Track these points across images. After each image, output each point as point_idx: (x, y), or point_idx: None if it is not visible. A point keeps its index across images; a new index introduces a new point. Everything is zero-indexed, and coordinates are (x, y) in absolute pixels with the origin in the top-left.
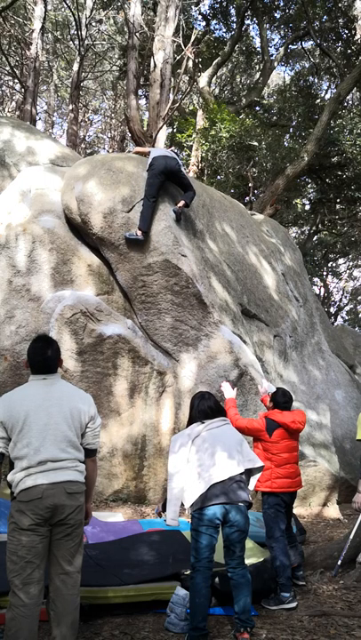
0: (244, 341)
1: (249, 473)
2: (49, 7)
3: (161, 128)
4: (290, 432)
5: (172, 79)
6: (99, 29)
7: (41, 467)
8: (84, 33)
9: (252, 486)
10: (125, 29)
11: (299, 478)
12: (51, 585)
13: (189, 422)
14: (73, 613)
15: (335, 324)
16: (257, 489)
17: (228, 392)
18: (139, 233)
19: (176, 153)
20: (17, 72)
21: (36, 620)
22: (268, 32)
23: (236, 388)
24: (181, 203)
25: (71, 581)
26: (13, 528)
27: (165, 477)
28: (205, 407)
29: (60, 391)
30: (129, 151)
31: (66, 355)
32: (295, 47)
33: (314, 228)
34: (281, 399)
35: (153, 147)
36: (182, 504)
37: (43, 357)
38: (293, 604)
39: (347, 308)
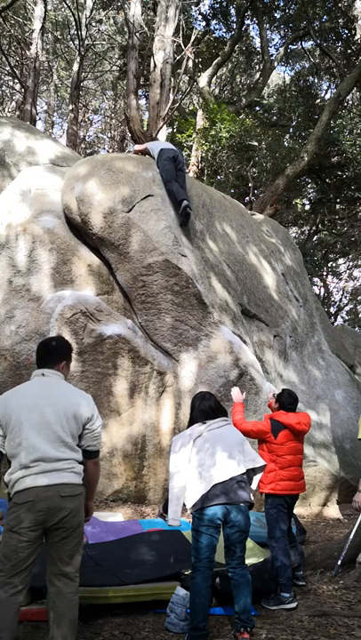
0: (244, 341)
1: (252, 472)
2: (49, 7)
3: (161, 128)
4: (295, 434)
5: (172, 79)
6: (99, 29)
7: (34, 468)
8: (84, 33)
9: (254, 486)
10: (125, 29)
11: (302, 482)
12: (50, 586)
13: (190, 423)
14: (72, 612)
15: (335, 324)
16: (261, 491)
17: (237, 397)
18: (184, 203)
19: None
20: (17, 72)
21: (10, 619)
22: (268, 32)
23: (245, 393)
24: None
25: (68, 581)
26: (6, 529)
27: (165, 477)
28: (206, 407)
29: (57, 391)
30: (129, 151)
31: None
32: (295, 47)
33: (314, 228)
34: (287, 400)
35: None
36: (184, 504)
37: (46, 347)
38: (293, 605)
39: (347, 308)
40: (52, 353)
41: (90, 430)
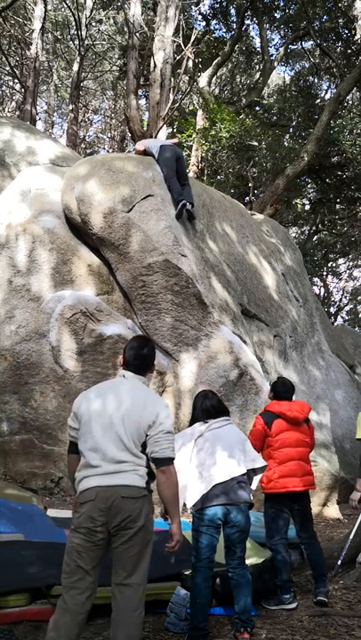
0: (244, 341)
1: (252, 472)
2: (49, 7)
3: (161, 128)
4: (291, 423)
5: (172, 79)
6: (99, 29)
7: (97, 468)
8: (84, 33)
9: (254, 486)
10: (125, 29)
11: (308, 478)
12: (112, 599)
13: (192, 421)
14: (128, 628)
15: (335, 324)
16: (262, 492)
17: None
18: (182, 204)
19: None
20: (17, 72)
21: (75, 627)
22: (268, 32)
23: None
24: (189, 205)
25: (129, 593)
26: (71, 529)
27: None
28: (208, 406)
29: (129, 395)
30: (129, 151)
31: (66, 355)
32: (295, 47)
33: (314, 228)
34: (281, 388)
35: None
36: (185, 504)
37: (136, 353)
38: (293, 605)
39: (347, 308)
40: (142, 362)
41: (150, 436)
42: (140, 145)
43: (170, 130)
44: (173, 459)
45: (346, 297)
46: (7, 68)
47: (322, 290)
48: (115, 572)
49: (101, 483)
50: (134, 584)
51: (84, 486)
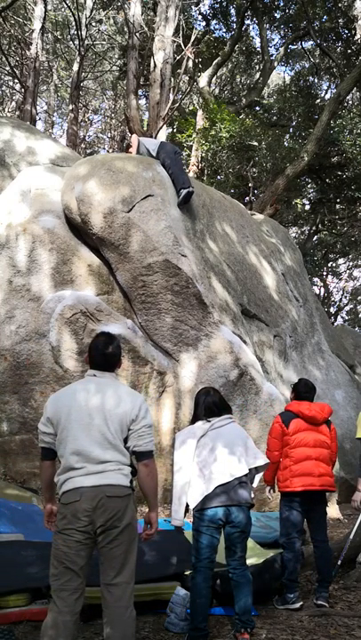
0: (244, 341)
1: (254, 471)
2: (49, 7)
3: (161, 128)
4: (309, 422)
5: (172, 79)
6: (99, 29)
7: (80, 470)
8: (84, 33)
9: (255, 484)
10: (125, 29)
11: (326, 478)
12: (102, 599)
13: (194, 419)
14: (123, 627)
15: (335, 324)
16: (278, 490)
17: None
18: (187, 192)
19: None
20: (17, 72)
21: (70, 629)
22: (268, 32)
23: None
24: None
25: (118, 592)
26: (55, 532)
27: (165, 477)
28: (210, 403)
29: (107, 392)
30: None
31: (66, 355)
32: (295, 47)
33: (314, 228)
34: (302, 389)
35: None
36: (188, 505)
37: (102, 352)
38: (297, 605)
39: (347, 308)
40: (109, 361)
41: (134, 430)
42: (134, 145)
43: (170, 130)
44: (153, 451)
45: (346, 297)
46: (7, 68)
47: (322, 290)
48: (103, 571)
49: (86, 483)
50: (123, 583)
51: (67, 487)
